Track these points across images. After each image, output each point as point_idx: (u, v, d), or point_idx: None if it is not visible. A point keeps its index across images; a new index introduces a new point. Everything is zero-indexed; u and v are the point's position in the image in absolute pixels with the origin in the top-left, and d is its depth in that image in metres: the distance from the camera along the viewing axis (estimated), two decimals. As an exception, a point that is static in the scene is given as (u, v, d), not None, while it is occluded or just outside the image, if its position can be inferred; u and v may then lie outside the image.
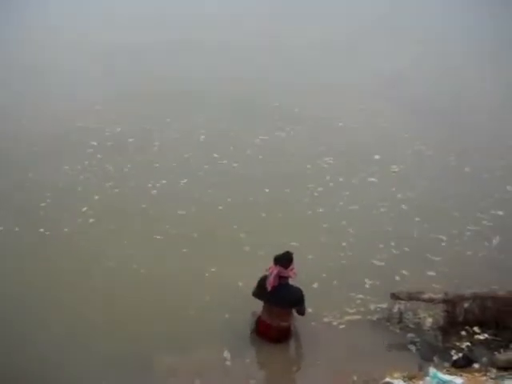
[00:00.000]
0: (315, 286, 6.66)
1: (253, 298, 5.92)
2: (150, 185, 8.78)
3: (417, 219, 7.97)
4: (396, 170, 9.33)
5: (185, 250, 7.27)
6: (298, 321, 6.05)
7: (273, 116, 11.25)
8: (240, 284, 6.61)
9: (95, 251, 7.26)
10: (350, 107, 11.73)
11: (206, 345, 5.83)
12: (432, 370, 4.66)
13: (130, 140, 10.27)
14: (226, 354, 5.74)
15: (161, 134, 10.49)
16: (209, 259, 7.08)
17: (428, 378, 4.64)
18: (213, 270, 6.93)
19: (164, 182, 8.88)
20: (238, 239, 7.54)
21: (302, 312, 5.88)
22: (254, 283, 6.07)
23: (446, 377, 4.56)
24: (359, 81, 13.00)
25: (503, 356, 5.57)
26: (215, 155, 9.69)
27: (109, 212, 8.09)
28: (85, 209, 8.13)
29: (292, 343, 6.01)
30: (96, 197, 8.46)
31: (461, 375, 5.06)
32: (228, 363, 5.67)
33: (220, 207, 8.23)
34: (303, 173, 9.20)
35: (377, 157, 9.73)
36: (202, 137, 10.42)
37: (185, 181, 8.92)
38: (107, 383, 5.38)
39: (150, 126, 10.86)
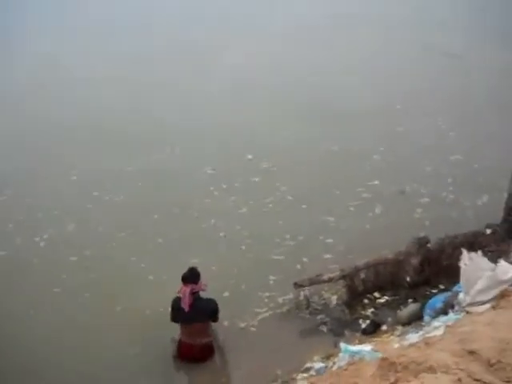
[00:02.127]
0: (226, 294, 6.74)
1: (169, 323, 5.92)
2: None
3: (303, 206, 8.34)
4: (267, 166, 9.64)
5: (87, 295, 7.03)
6: (216, 333, 6.16)
7: (142, 143, 10.92)
8: (148, 312, 6.56)
9: None
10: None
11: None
12: (343, 345, 4.89)
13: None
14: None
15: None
16: (115, 297, 6.90)
17: (341, 354, 4.89)
18: (118, 308, 6.74)
19: None
20: (140, 270, 7.40)
21: (216, 320, 5.99)
22: (163, 309, 6.08)
23: (356, 347, 4.81)
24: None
25: (404, 312, 6.04)
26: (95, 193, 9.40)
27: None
28: None
29: (215, 358, 6.05)
30: None
31: (371, 341, 5.39)
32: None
33: (123, 234, 8.13)
34: (186, 188, 9.20)
35: (250, 156, 9.98)
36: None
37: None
38: None
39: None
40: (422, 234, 6.65)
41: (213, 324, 6.02)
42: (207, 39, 15.19)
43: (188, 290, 5.68)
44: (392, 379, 3.70)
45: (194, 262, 6.62)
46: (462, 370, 3.48)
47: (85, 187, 9.43)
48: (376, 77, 12.72)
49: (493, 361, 3.48)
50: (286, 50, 14.58)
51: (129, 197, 9.14)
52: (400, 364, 3.91)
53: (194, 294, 5.74)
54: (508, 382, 3.34)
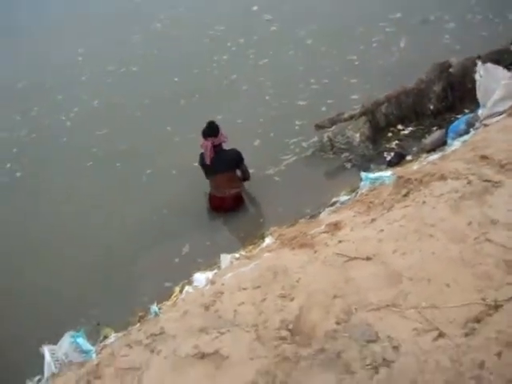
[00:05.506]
0: (256, 143, 6.82)
1: (201, 178, 6.10)
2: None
3: (323, 49, 8.06)
4: (269, 18, 9.30)
5: (118, 164, 7.21)
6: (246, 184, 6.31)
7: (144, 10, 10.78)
8: (178, 171, 6.73)
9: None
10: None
11: (166, 243, 5.85)
12: (363, 174, 4.89)
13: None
14: (186, 248, 5.75)
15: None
16: (144, 161, 7.04)
17: (362, 183, 4.93)
18: (149, 171, 6.91)
19: None
20: (166, 132, 7.47)
21: (246, 175, 6.13)
22: (192, 165, 6.26)
23: (376, 174, 4.84)
24: None
25: (428, 139, 5.94)
26: (110, 68, 9.40)
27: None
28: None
29: (247, 206, 6.24)
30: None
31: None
32: (185, 252, 5.69)
33: (146, 101, 8.16)
34: (203, 47, 9.05)
35: (255, 8, 9.68)
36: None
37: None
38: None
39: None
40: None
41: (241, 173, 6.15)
42: None
43: (210, 143, 5.80)
44: (404, 192, 3.76)
45: (218, 117, 6.62)
46: (472, 174, 3.49)
47: (97, 62, 9.46)
48: None
49: (504, 162, 3.46)
50: None
51: (144, 65, 9.10)
52: (415, 179, 3.95)
53: (216, 147, 5.85)
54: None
